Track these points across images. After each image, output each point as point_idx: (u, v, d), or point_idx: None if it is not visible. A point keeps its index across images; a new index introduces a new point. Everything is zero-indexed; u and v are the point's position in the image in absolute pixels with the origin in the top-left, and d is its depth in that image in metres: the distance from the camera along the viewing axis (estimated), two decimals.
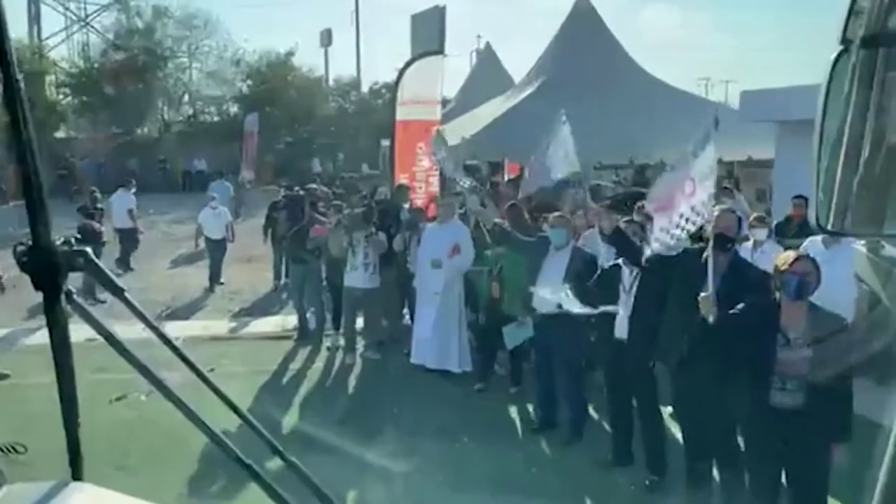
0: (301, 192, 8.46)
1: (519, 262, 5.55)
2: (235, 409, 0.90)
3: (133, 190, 11.84)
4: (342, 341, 7.21)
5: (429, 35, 29.89)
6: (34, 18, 29.39)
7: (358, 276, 6.91)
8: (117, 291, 0.79)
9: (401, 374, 6.56)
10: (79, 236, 7.90)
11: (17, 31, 27.64)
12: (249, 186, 18.36)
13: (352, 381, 6.56)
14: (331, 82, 33.01)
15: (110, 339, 0.78)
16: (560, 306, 4.56)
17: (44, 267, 0.73)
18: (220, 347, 7.50)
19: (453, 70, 34.13)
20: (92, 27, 29.79)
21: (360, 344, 7.23)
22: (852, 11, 0.81)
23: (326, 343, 7.50)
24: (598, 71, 11.18)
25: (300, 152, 26.99)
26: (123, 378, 6.41)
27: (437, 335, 6.20)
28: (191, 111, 29.51)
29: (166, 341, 0.85)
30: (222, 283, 10.50)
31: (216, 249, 10.48)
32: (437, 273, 6.19)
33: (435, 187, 9.33)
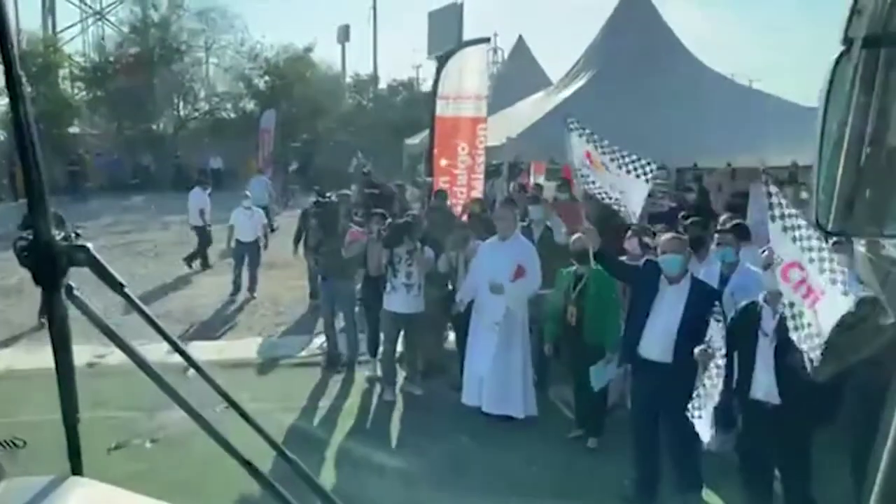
0: (334, 199, 7.40)
1: (609, 287, 4.56)
2: (244, 415, 0.90)
3: (209, 190, 11.50)
4: (379, 371, 6.23)
5: (446, 32, 29.08)
6: (48, 11, 28.80)
7: (399, 299, 5.90)
8: (118, 287, 0.78)
9: (450, 416, 5.54)
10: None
11: (31, 23, 27.15)
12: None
13: (394, 427, 5.54)
14: (348, 79, 32.19)
15: (110, 334, 0.78)
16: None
17: (44, 262, 0.73)
18: (239, 376, 6.51)
19: None
20: (107, 20, 29.18)
21: (400, 375, 6.25)
22: (854, 11, 0.78)
23: (366, 372, 6.52)
24: (653, 63, 10.13)
25: (317, 150, 26.14)
26: (124, 417, 5.51)
27: (496, 374, 5.17)
28: (207, 107, 28.74)
29: (171, 343, 0.84)
30: (254, 298, 9.56)
31: (245, 252, 9.55)
32: (497, 299, 5.15)
33: (478, 192, 8.34)
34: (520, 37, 18.01)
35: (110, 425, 5.25)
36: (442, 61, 8.24)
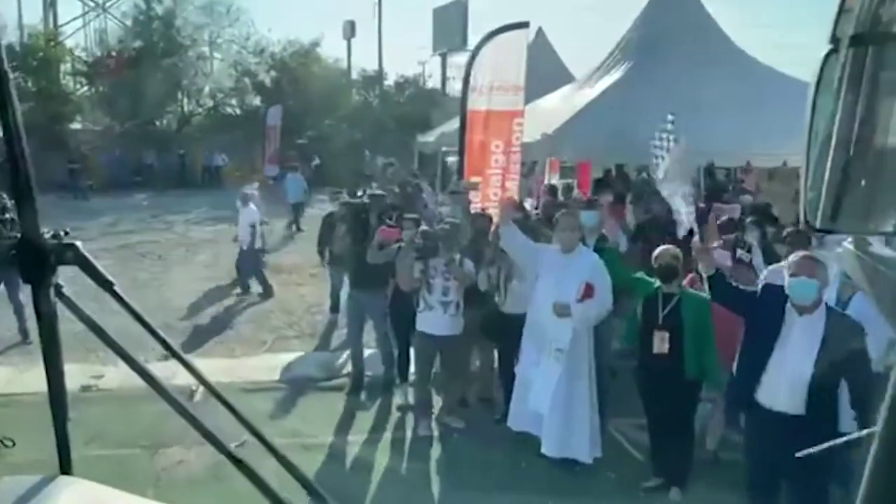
0: (364, 199, 6.55)
1: (707, 313, 3.79)
2: (269, 446, 0.88)
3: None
4: (412, 399, 5.46)
5: (451, 29, 28.41)
6: (50, 4, 28.05)
7: (434, 319, 5.11)
8: (106, 285, 0.77)
9: (500, 456, 4.75)
10: None
11: (32, 17, 26.48)
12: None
13: (432, 470, 4.75)
14: (354, 75, 31.42)
15: (99, 332, 0.77)
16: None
17: (32, 260, 0.72)
18: (248, 401, 5.69)
19: None
20: (109, 14, 28.42)
21: (436, 405, 5.47)
22: (842, 10, 0.80)
23: (398, 400, 5.74)
24: (696, 55, 9.35)
25: (323, 147, 25.41)
26: (121, 456, 4.73)
27: (559, 410, 4.37)
28: (211, 103, 27.98)
29: (166, 346, 0.83)
30: (261, 302, 8.92)
31: (240, 257, 9.13)
32: (561, 323, 4.37)
33: (513, 193, 7.54)
34: (539, 29, 17.11)
35: (105, 466, 4.45)
36: (474, 51, 7.45)
